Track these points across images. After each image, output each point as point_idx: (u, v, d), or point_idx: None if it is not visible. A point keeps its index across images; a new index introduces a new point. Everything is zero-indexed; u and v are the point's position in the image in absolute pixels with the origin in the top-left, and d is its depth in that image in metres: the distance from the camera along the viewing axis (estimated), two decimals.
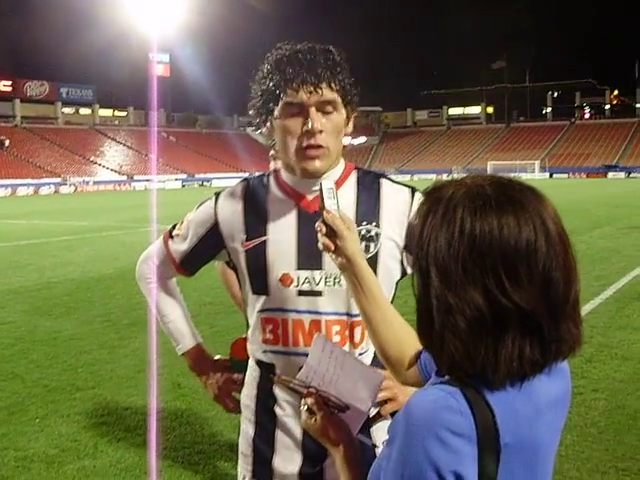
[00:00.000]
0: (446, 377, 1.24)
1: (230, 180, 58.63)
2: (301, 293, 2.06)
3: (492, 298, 1.15)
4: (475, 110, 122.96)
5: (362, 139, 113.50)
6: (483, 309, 1.15)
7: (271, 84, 1.97)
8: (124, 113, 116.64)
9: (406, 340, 1.62)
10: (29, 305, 10.70)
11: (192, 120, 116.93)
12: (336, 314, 2.06)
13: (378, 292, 1.65)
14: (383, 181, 2.16)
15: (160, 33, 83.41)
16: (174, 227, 2.32)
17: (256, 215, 2.13)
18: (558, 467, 4.53)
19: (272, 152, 3.92)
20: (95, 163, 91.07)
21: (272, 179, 2.17)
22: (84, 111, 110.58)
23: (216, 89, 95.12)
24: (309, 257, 2.05)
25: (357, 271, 1.64)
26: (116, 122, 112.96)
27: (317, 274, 2.05)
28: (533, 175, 79.40)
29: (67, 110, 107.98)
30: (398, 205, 2.11)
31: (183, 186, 79.23)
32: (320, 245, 1.66)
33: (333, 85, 1.96)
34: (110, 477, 4.70)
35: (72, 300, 10.97)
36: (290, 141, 1.99)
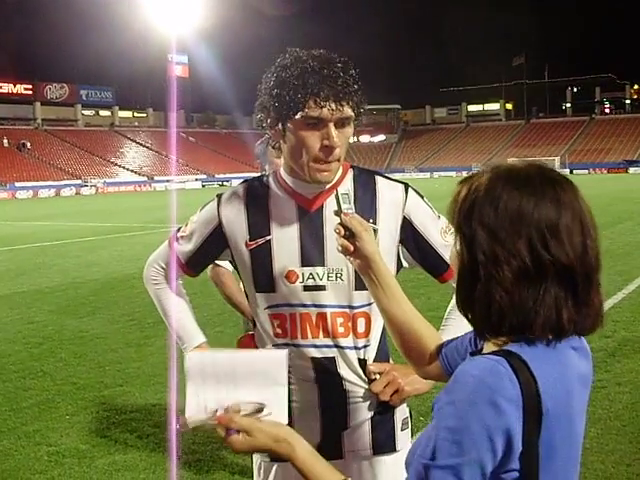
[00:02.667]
0: (486, 350, 1.32)
1: None
2: (306, 288, 2.14)
3: (535, 252, 1.24)
4: (494, 107, 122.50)
5: (381, 137, 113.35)
6: (527, 261, 1.24)
7: (292, 93, 1.97)
8: (143, 114, 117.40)
9: (426, 335, 1.67)
10: (55, 305, 10.86)
11: (211, 120, 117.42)
12: (339, 307, 2.15)
13: (397, 289, 1.69)
14: (378, 178, 2.24)
15: (178, 34, 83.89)
16: (179, 230, 2.40)
17: (258, 215, 2.19)
18: (583, 459, 4.54)
19: (258, 150, 3.89)
20: (115, 164, 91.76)
21: (272, 179, 2.24)
22: (104, 113, 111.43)
23: (234, 89, 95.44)
24: (312, 254, 2.14)
25: (376, 270, 1.68)
26: (136, 123, 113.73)
27: (320, 270, 2.14)
28: None
29: (87, 112, 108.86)
30: (393, 201, 2.19)
31: (203, 186, 79.56)
32: (338, 247, 1.71)
33: (351, 102, 2.02)
34: (140, 471, 4.79)
35: (97, 300, 11.12)
36: (304, 151, 2.03)
